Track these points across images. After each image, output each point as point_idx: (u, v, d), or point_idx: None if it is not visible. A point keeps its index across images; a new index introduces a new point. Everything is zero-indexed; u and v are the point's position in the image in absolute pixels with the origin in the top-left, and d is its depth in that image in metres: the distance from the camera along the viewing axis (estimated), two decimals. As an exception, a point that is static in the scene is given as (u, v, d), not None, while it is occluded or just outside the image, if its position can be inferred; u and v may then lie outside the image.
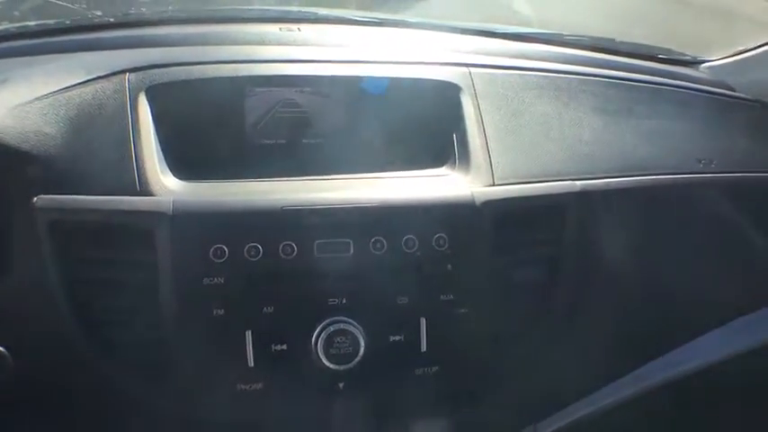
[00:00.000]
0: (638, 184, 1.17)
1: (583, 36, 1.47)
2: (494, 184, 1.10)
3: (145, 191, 1.02)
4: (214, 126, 1.14)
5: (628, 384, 1.21)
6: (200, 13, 1.44)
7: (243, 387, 1.00)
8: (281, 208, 1.00)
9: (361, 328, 0.99)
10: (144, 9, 1.50)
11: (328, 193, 1.05)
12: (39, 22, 1.34)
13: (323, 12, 1.46)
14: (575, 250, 1.11)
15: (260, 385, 1.01)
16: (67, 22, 1.35)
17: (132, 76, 1.10)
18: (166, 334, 0.99)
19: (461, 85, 1.19)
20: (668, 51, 1.50)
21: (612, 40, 1.49)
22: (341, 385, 1.02)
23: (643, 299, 1.20)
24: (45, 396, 1.04)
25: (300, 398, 1.03)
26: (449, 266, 1.03)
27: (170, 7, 1.56)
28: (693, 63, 1.48)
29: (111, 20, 1.36)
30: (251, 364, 0.99)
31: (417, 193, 1.06)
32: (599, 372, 1.20)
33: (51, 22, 1.35)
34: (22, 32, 1.29)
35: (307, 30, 1.33)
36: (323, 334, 0.99)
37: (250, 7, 1.48)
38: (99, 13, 1.40)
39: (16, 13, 1.48)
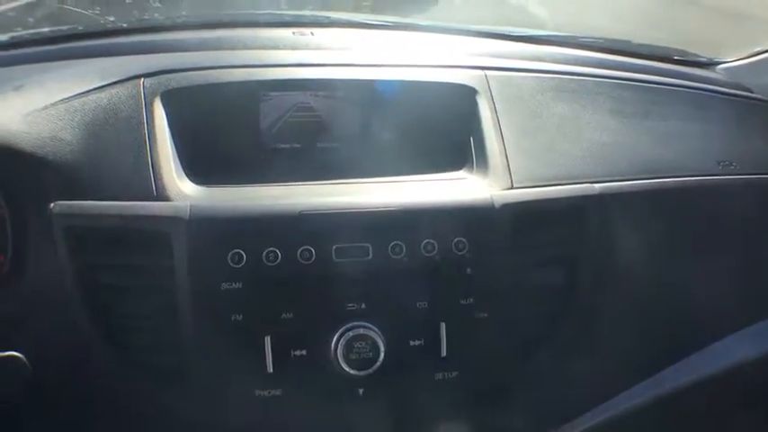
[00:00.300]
0: (658, 187, 1.16)
1: (598, 38, 1.46)
2: (512, 187, 1.09)
3: (161, 196, 1.01)
4: (229, 130, 1.13)
5: (647, 388, 1.19)
6: (214, 18, 1.44)
7: (262, 393, 0.99)
8: (299, 212, 0.99)
9: (380, 332, 0.98)
10: (158, 15, 1.49)
11: (346, 196, 1.04)
12: (52, 28, 1.34)
13: (336, 16, 1.45)
14: (594, 253, 1.10)
15: (279, 391, 0.99)
16: (81, 28, 1.35)
17: (147, 81, 1.10)
18: (184, 340, 0.98)
19: (477, 87, 1.18)
20: (684, 53, 1.49)
21: (628, 41, 1.48)
22: (360, 391, 1.01)
23: (662, 302, 1.18)
24: (62, 402, 1.03)
25: (320, 404, 1.01)
26: (468, 270, 1.02)
27: (183, 12, 1.56)
28: (709, 64, 1.47)
29: (125, 25, 1.35)
30: (270, 369, 0.98)
31: (436, 196, 1.05)
32: (618, 376, 1.18)
33: (65, 28, 1.35)
34: (36, 39, 1.29)
35: (320, 34, 1.33)
36: (342, 339, 0.97)
37: (263, 12, 1.47)
38: (112, 18, 1.39)
39: (30, 19, 1.47)
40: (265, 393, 0.99)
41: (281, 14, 1.49)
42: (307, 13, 1.51)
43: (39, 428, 1.05)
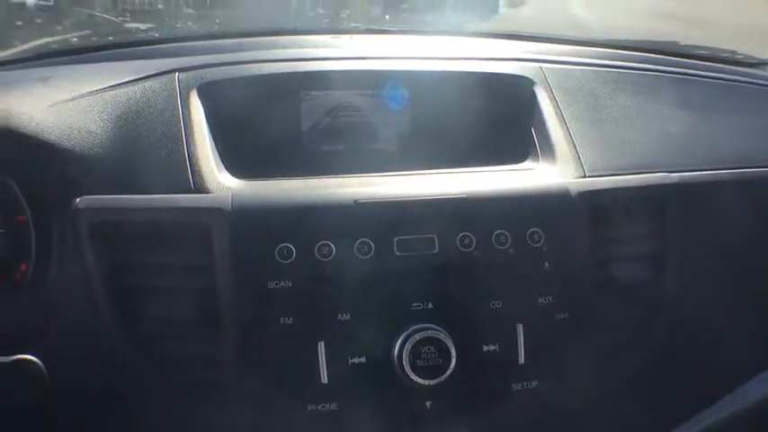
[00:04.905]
0: (737, 177, 1.00)
1: (647, 40, 1.33)
2: (585, 176, 0.93)
3: (200, 188, 0.86)
4: (269, 123, 0.99)
5: (738, 398, 1.00)
6: (249, 28, 1.31)
7: (314, 407, 0.80)
8: (355, 201, 0.83)
9: (450, 336, 0.80)
10: (190, 23, 1.37)
11: (406, 185, 0.88)
12: (82, 33, 1.21)
13: (374, 25, 1.33)
14: (677, 247, 0.93)
15: (334, 405, 0.80)
16: (110, 38, 1.22)
17: (182, 75, 0.98)
18: (226, 347, 0.81)
19: (534, 78, 1.04)
20: (734, 53, 1.35)
21: (676, 42, 1.35)
22: (428, 404, 0.82)
23: (749, 302, 1.00)
24: (84, 413, 0.84)
25: (382, 419, 0.82)
26: (546, 265, 0.85)
27: (217, 20, 1.44)
28: (759, 64, 1.33)
29: (157, 35, 1.23)
30: (324, 380, 0.80)
31: (507, 184, 0.89)
32: (709, 386, 0.99)
33: (95, 38, 1.22)
34: (64, 49, 1.17)
35: (358, 39, 1.22)
36: (407, 344, 0.79)
37: (300, 24, 1.35)
38: (143, 26, 1.27)
39: (59, 27, 1.35)
40: (319, 408, 0.81)
41: (318, 24, 1.37)
42: (345, 23, 1.38)
43: None
